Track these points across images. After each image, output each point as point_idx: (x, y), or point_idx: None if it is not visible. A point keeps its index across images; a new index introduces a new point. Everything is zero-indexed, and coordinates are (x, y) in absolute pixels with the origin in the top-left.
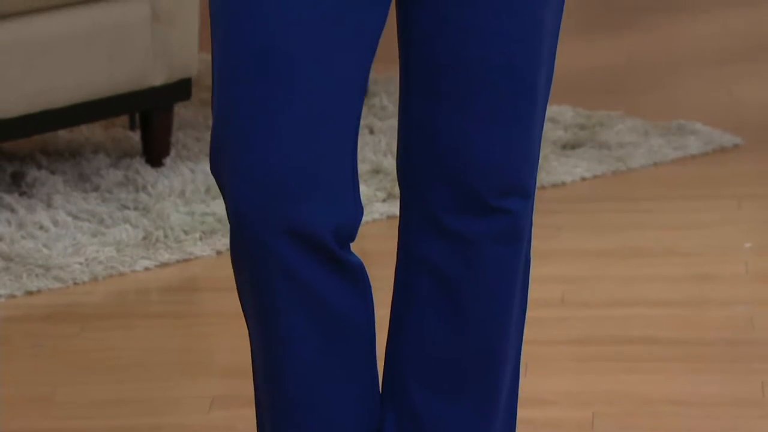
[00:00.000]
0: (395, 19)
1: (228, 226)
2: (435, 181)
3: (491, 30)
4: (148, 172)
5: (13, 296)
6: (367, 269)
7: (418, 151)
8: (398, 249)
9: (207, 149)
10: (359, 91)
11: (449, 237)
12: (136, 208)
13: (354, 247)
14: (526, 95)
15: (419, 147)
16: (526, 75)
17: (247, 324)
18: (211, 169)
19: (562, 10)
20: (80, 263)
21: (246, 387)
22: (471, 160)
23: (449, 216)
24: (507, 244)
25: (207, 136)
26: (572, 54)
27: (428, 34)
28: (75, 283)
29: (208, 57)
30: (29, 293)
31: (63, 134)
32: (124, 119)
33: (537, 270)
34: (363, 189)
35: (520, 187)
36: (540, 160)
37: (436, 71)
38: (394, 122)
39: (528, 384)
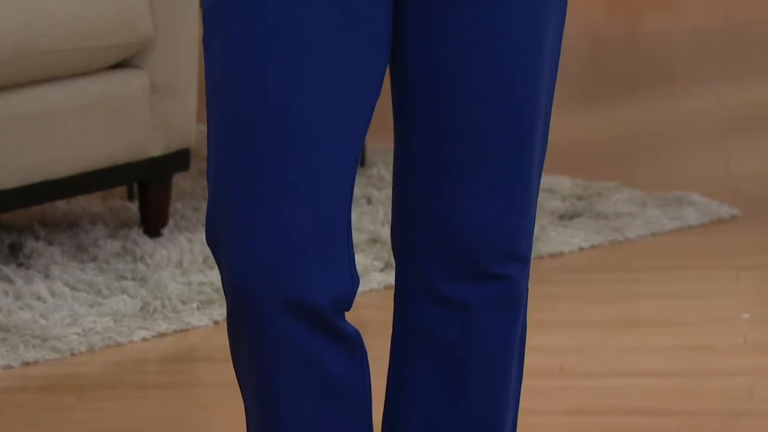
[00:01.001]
0: (389, 86)
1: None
2: (431, 247)
3: (487, 85)
4: (146, 243)
5: (9, 367)
6: (364, 338)
7: (414, 217)
8: (394, 317)
9: (204, 219)
10: (354, 162)
11: (446, 304)
12: (133, 279)
13: (351, 316)
14: (523, 154)
15: (415, 213)
16: (524, 132)
17: (242, 392)
18: (206, 239)
19: (556, 72)
20: (77, 334)
21: None
22: (469, 226)
23: (446, 283)
24: (505, 310)
25: (205, 206)
26: (569, 125)
27: (423, 94)
28: (72, 354)
29: (206, 128)
30: (26, 364)
31: (61, 205)
32: (122, 190)
33: (535, 339)
34: (360, 259)
35: (518, 252)
36: (537, 230)
37: (432, 132)
38: (391, 192)
39: None
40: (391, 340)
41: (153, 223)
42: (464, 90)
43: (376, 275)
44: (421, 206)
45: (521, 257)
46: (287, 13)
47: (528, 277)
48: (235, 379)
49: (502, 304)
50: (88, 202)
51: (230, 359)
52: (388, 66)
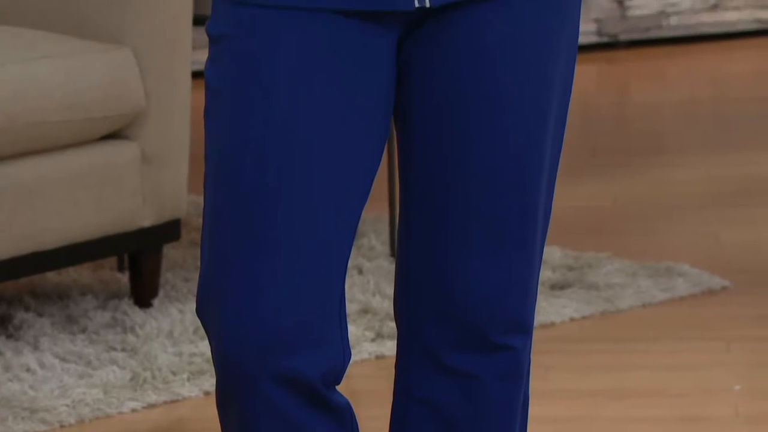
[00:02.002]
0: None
1: None
2: (433, 316)
3: (491, 149)
4: (136, 314)
5: None
6: (355, 409)
7: (416, 284)
8: (395, 384)
9: (195, 290)
10: (350, 236)
11: (451, 375)
12: (123, 350)
13: (343, 386)
14: (526, 221)
15: (417, 281)
16: (527, 198)
17: None
18: (197, 312)
19: (561, 142)
20: (67, 405)
21: None
22: (472, 295)
23: (451, 353)
24: (509, 381)
25: (196, 276)
26: (560, 195)
27: (426, 158)
28: (61, 426)
29: (197, 198)
30: None
31: (51, 276)
32: (112, 260)
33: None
34: (351, 329)
35: (521, 323)
36: None
37: (434, 197)
38: (382, 262)
39: None
40: (392, 408)
41: (143, 293)
42: (467, 154)
43: (367, 345)
44: (423, 273)
45: (524, 328)
46: (286, 87)
47: (531, 347)
48: None
49: (506, 376)
50: (78, 273)
51: (220, 430)
52: (392, 130)
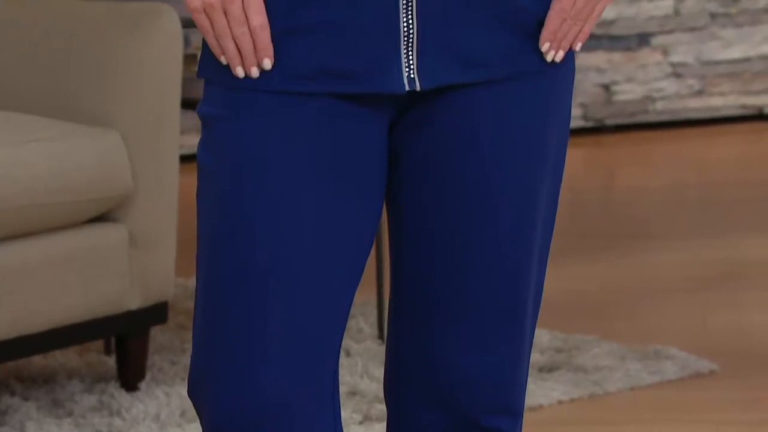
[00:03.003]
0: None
1: None
2: (422, 398)
3: (481, 234)
4: (123, 397)
5: None
6: None
7: (406, 366)
8: None
9: (183, 373)
10: (343, 318)
11: None
12: None
13: None
14: (516, 304)
15: (407, 362)
16: (517, 281)
17: None
18: (188, 392)
19: (552, 227)
20: None
21: None
22: (460, 377)
23: None
24: None
25: (183, 359)
26: (548, 278)
27: (416, 240)
28: None
29: (185, 281)
30: None
31: (37, 360)
32: (99, 343)
33: None
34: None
35: (512, 407)
36: None
37: (424, 278)
38: (370, 344)
39: None
40: None
41: (130, 376)
42: (458, 240)
43: (355, 428)
44: (413, 358)
45: (514, 412)
46: (276, 171)
47: (521, 430)
48: None
49: None
50: (65, 356)
51: None
52: (383, 211)
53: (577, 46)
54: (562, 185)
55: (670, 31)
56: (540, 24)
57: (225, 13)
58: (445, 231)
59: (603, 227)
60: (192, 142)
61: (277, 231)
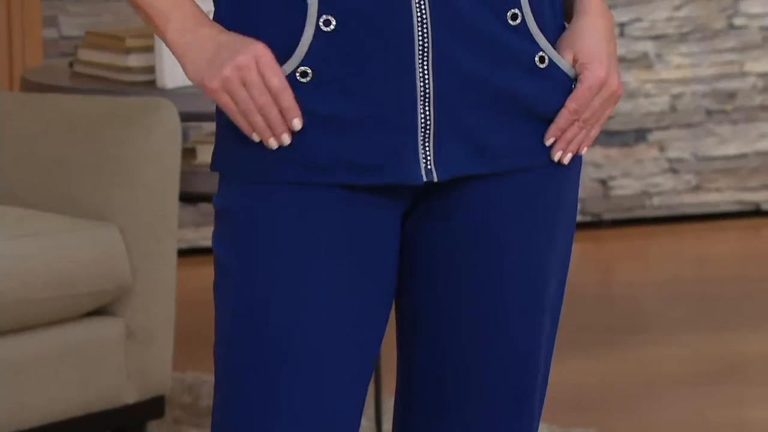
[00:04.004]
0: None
1: None
2: None
3: (489, 328)
4: None
5: None
6: None
7: None
8: None
9: None
10: (361, 404)
11: None
12: None
13: None
14: (526, 398)
15: None
16: (524, 379)
17: None
18: None
19: (558, 319)
20: None
21: None
22: None
23: None
24: None
25: None
26: None
27: (429, 334)
28: None
29: (182, 375)
30: None
31: None
32: None
33: None
34: None
35: None
36: None
37: (439, 380)
38: None
39: None
40: None
41: None
42: (469, 329)
43: None
44: None
45: None
46: (293, 261)
47: None
48: None
49: None
50: None
51: None
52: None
53: (584, 150)
54: None
55: (667, 127)
56: (552, 119)
57: (244, 84)
58: (456, 323)
59: (601, 321)
60: (190, 236)
61: (294, 320)
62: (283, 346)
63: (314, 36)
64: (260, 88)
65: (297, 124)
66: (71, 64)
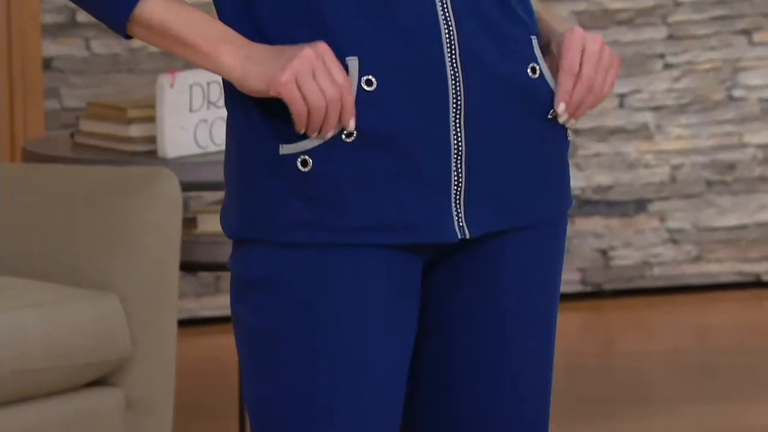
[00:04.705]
0: None
1: None
2: None
3: (500, 369)
4: None
5: None
6: None
7: None
8: None
9: None
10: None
11: None
12: None
13: None
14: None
15: None
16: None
17: None
18: None
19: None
20: None
21: None
22: None
23: None
24: None
25: None
26: None
27: (435, 385)
28: None
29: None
30: None
31: None
32: None
33: None
34: None
35: None
36: None
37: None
38: None
39: None
40: None
41: None
42: (479, 378)
43: None
44: None
45: None
46: (348, 326)
47: None
48: None
49: None
50: None
51: None
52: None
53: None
54: (560, 350)
55: (667, 198)
56: (565, 169)
57: (314, 76)
58: (463, 369)
59: (602, 392)
60: (190, 306)
61: (355, 383)
62: (340, 412)
63: (357, 96)
64: (330, 80)
65: (351, 124)
66: (72, 135)
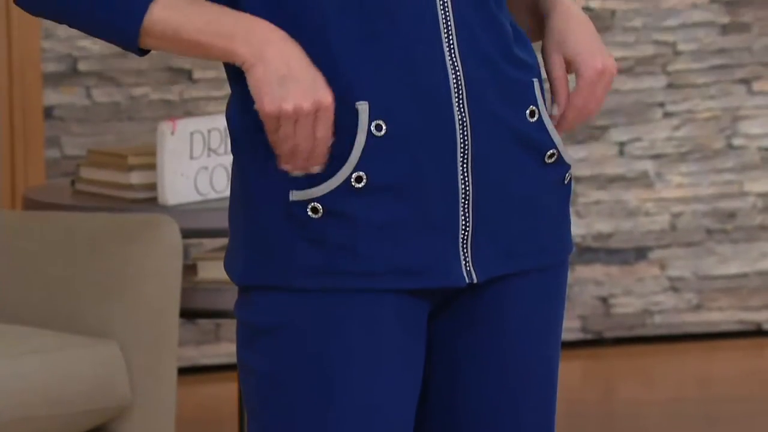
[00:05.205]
0: None
1: None
2: None
3: (505, 413)
4: None
5: None
6: None
7: None
8: None
9: None
10: None
11: None
12: None
13: None
14: None
15: None
16: None
17: None
18: None
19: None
20: None
21: None
22: None
23: None
24: None
25: None
26: None
27: (443, 421)
28: None
29: None
30: None
31: None
32: None
33: None
34: None
35: None
36: None
37: None
38: None
39: None
40: None
41: None
42: (479, 422)
43: None
44: None
45: None
46: (362, 371)
47: None
48: None
49: None
50: None
51: None
52: None
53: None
54: (561, 398)
55: (668, 246)
56: (566, 214)
57: (295, 123)
58: (471, 412)
59: None
60: (190, 354)
61: (364, 428)
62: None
63: (366, 141)
64: (308, 135)
65: (316, 170)
66: (73, 183)
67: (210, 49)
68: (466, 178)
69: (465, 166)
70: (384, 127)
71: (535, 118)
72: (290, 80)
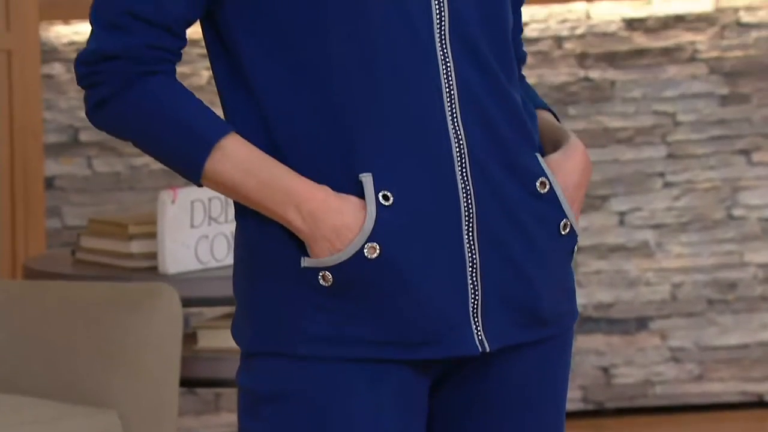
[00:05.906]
0: None
1: None
2: None
3: None
4: None
5: None
6: None
7: None
8: None
9: None
10: None
11: None
12: None
13: None
14: None
15: None
16: None
17: None
18: None
19: None
20: None
21: None
22: None
23: None
24: None
25: None
26: None
27: None
28: None
29: None
30: None
31: None
32: None
33: None
34: None
35: None
36: None
37: None
38: None
39: None
40: None
41: None
42: None
43: None
44: None
45: None
46: (369, 425)
47: None
48: None
49: None
50: None
51: None
52: None
53: None
54: None
55: (668, 316)
56: (571, 282)
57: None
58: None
59: None
60: (190, 424)
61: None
62: None
63: (377, 211)
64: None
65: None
66: (73, 252)
67: (266, 212)
68: (473, 247)
69: (471, 234)
70: (391, 198)
71: (546, 189)
72: (344, 230)
